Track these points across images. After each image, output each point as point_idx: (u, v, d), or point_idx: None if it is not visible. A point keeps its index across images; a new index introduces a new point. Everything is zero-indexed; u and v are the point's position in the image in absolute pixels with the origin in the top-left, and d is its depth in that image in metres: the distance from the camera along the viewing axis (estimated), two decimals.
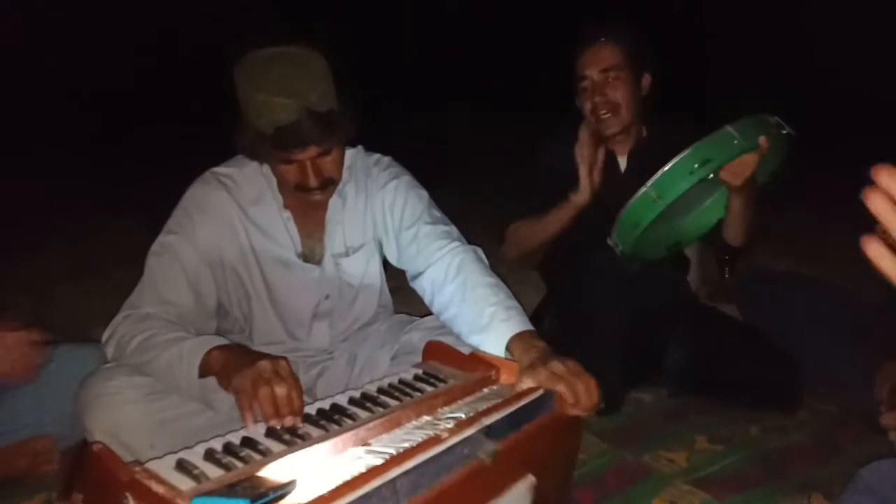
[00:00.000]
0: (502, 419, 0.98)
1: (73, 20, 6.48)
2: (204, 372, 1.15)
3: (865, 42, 5.96)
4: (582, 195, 1.79)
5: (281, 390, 0.97)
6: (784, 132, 1.55)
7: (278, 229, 1.44)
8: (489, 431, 0.94)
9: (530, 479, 0.98)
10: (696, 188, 1.53)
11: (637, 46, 1.87)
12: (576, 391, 1.07)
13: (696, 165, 1.46)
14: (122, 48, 6.85)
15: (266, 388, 0.98)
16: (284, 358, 1.08)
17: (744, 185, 1.60)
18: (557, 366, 1.09)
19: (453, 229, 1.44)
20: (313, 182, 1.31)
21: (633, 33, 1.89)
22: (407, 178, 1.50)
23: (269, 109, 1.20)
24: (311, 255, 1.47)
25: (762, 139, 1.50)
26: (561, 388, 1.07)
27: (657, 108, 1.95)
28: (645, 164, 1.65)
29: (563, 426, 1.12)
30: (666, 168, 1.48)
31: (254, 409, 0.98)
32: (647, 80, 1.89)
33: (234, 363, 1.09)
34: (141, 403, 1.21)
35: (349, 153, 1.46)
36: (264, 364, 1.03)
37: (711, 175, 1.50)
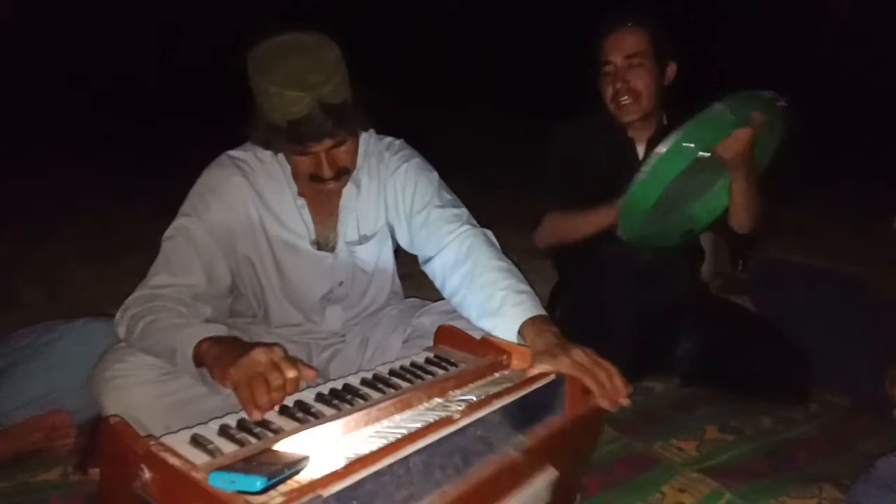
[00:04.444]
0: (524, 407, 0.98)
1: (82, 13, 6.51)
2: (198, 363, 1.14)
3: (876, 37, 5.91)
4: None
5: (277, 381, 0.95)
6: (779, 104, 1.54)
7: (292, 217, 1.44)
8: (514, 421, 0.94)
9: (552, 472, 0.98)
10: (705, 173, 1.52)
11: (663, 34, 1.85)
12: (600, 381, 1.06)
13: (687, 144, 1.45)
14: (134, 41, 6.90)
15: (261, 386, 0.94)
16: (277, 343, 1.05)
17: (741, 161, 1.58)
18: (578, 354, 1.08)
19: (464, 211, 1.43)
20: (327, 173, 1.31)
21: (659, 21, 1.87)
22: (417, 161, 1.49)
23: (282, 103, 1.18)
24: (324, 243, 1.47)
25: (756, 114, 1.48)
26: (587, 379, 1.06)
27: (685, 97, 1.93)
28: None
29: (589, 419, 1.11)
30: (659, 150, 1.48)
31: (255, 402, 0.93)
32: (672, 69, 1.87)
33: (226, 356, 1.05)
34: (155, 385, 1.21)
35: (362, 137, 1.45)
36: (258, 357, 0.99)
37: (708, 154, 1.48)
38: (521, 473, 0.93)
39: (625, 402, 1.07)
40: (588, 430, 1.18)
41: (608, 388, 1.06)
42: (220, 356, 1.07)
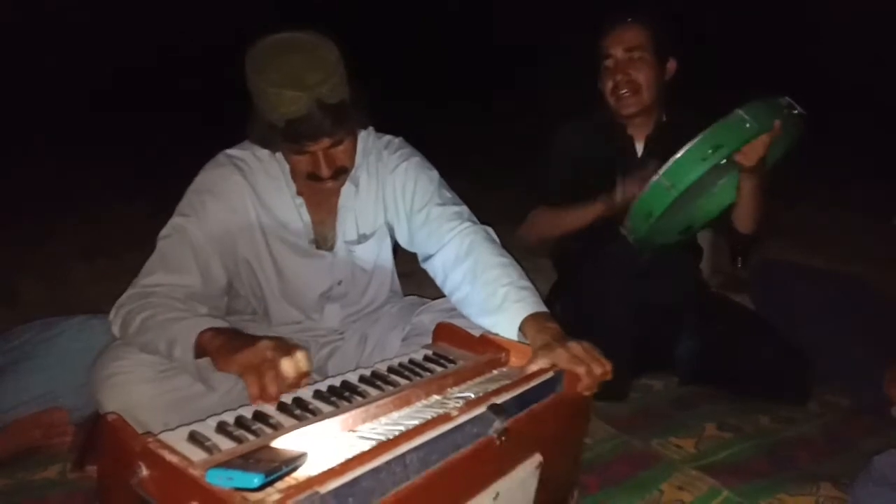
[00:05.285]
0: (512, 399, 0.98)
1: (81, 13, 6.51)
2: (199, 353, 1.14)
3: (871, 38, 5.91)
4: (617, 199, 1.77)
5: (287, 366, 0.97)
6: (795, 112, 1.54)
7: (291, 216, 1.44)
8: (497, 409, 0.94)
9: (538, 458, 0.98)
10: (709, 172, 1.51)
11: (664, 30, 1.86)
12: (594, 374, 1.07)
13: (708, 152, 1.45)
14: (134, 40, 6.90)
15: (270, 373, 0.96)
16: (281, 338, 1.07)
17: (756, 167, 1.59)
18: (575, 347, 1.09)
19: (464, 209, 1.43)
20: (325, 172, 1.31)
21: (660, 17, 1.88)
22: (417, 160, 1.49)
23: (281, 102, 1.19)
24: (323, 242, 1.47)
25: (776, 122, 1.48)
26: (580, 370, 1.07)
27: (680, 95, 1.94)
28: (662, 149, 1.64)
29: (572, 406, 1.12)
30: (677, 156, 1.47)
31: (261, 391, 0.95)
32: (672, 65, 1.88)
33: (230, 345, 1.07)
34: (154, 382, 1.21)
35: (360, 136, 1.45)
36: (266, 344, 1.02)
37: (724, 161, 1.48)
38: (502, 459, 0.93)
39: (588, 392, 1.08)
40: (572, 416, 1.17)
41: (595, 378, 1.07)
42: (224, 345, 1.08)
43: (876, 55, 5.98)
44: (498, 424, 0.90)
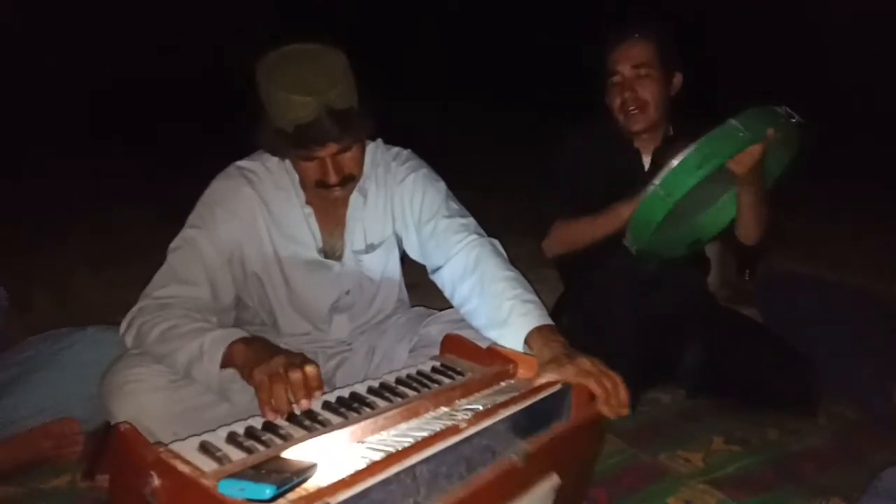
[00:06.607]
0: (530, 416, 0.98)
1: (94, 19, 6.55)
2: (226, 364, 1.16)
3: (871, 38, 5.89)
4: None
5: (296, 375, 0.97)
6: (793, 121, 1.54)
7: (300, 225, 1.45)
8: (518, 430, 0.94)
9: (555, 479, 0.98)
10: (713, 184, 1.52)
11: (669, 45, 1.87)
12: (606, 388, 1.07)
13: (701, 160, 1.46)
14: (143, 47, 6.94)
15: (280, 384, 0.97)
16: (302, 354, 1.08)
17: (751, 175, 1.59)
18: (584, 362, 1.10)
19: (471, 221, 1.44)
20: (333, 179, 1.32)
21: (665, 32, 1.88)
22: (424, 171, 1.50)
23: (289, 107, 1.21)
24: (331, 252, 1.48)
25: (769, 131, 1.49)
26: (592, 384, 1.07)
27: (686, 107, 1.94)
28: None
29: (591, 426, 1.12)
30: (672, 164, 1.49)
31: (272, 405, 0.97)
32: (678, 79, 1.88)
33: (255, 357, 1.09)
34: (165, 391, 1.22)
35: (369, 147, 1.47)
36: (279, 360, 1.03)
37: (719, 169, 1.49)
38: (522, 480, 0.93)
39: (625, 412, 1.08)
40: (590, 437, 1.18)
41: (612, 395, 1.07)
42: (249, 357, 1.11)
43: (876, 55, 5.96)
44: (521, 447, 0.91)
